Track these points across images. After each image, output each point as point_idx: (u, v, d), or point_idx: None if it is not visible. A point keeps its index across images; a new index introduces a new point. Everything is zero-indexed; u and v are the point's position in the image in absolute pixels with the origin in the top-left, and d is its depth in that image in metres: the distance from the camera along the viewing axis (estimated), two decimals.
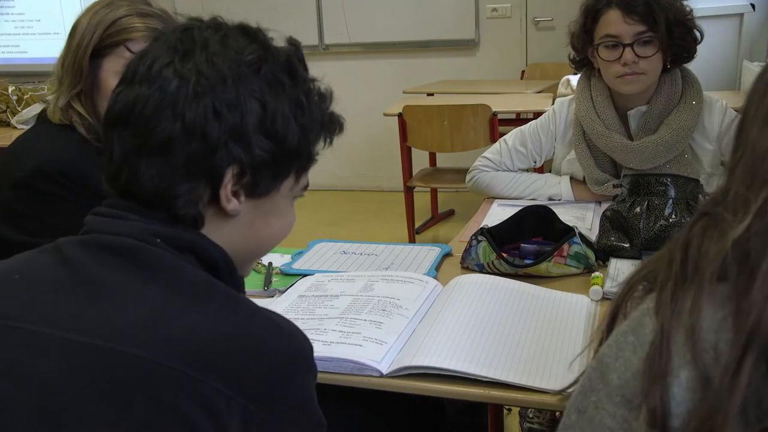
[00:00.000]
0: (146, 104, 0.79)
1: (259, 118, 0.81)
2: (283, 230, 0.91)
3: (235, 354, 0.74)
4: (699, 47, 1.83)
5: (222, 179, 0.81)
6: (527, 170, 2.11)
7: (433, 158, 4.49)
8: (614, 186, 1.79)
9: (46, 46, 5.56)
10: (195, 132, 0.78)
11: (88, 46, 1.44)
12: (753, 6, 3.70)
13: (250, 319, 0.78)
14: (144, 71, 0.81)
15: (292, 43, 0.90)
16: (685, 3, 1.76)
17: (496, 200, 2.03)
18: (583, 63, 1.93)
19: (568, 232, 1.49)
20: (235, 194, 0.83)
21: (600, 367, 0.66)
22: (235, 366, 0.73)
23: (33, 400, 0.71)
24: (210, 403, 0.71)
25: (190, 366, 0.72)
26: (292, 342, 0.80)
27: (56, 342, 0.73)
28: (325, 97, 0.89)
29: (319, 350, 1.15)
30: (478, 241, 1.51)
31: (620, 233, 1.53)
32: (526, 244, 1.54)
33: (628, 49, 1.74)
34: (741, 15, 3.75)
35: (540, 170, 2.26)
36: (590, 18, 1.81)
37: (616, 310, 0.71)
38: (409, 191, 3.98)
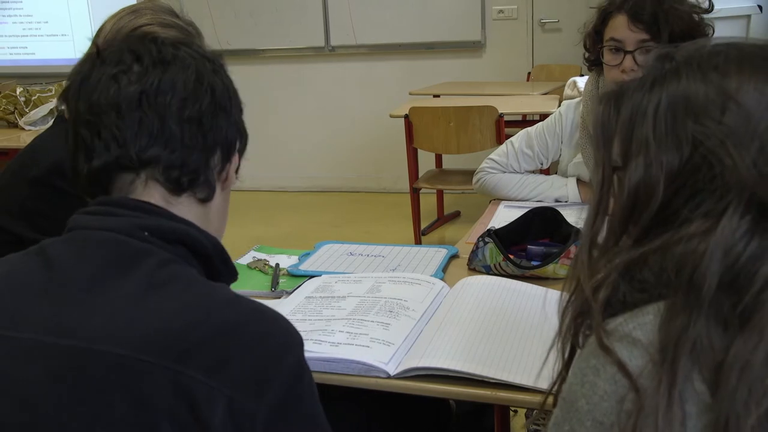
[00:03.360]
0: (176, 82, 0.85)
1: (239, 106, 0.95)
2: (226, 219, 1.01)
3: (213, 342, 0.73)
4: None
5: (234, 149, 0.92)
6: (534, 172, 2.11)
7: (439, 160, 4.49)
8: None
9: (54, 47, 5.58)
10: (221, 105, 0.88)
11: None
12: (760, 8, 3.69)
13: (227, 306, 0.78)
14: (153, 59, 0.85)
15: None
16: (696, 16, 1.73)
17: (503, 202, 2.03)
18: (595, 62, 1.93)
19: (575, 233, 1.50)
20: None
21: (568, 396, 0.66)
22: (214, 354, 0.73)
23: (17, 408, 0.72)
24: (188, 393, 0.70)
25: (165, 357, 0.71)
26: (273, 326, 0.79)
27: (37, 347, 0.74)
28: None
29: (327, 351, 1.15)
30: (485, 243, 1.51)
31: None
32: (533, 246, 1.54)
33: (628, 56, 1.72)
34: (748, 16, 3.74)
35: (546, 172, 2.26)
36: (600, 19, 1.81)
37: (572, 348, 0.72)
38: (415, 193, 3.98)
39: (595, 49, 1.86)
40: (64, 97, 0.89)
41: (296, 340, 0.79)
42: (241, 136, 0.93)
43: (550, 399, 0.73)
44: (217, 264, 0.87)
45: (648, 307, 0.65)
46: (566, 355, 0.73)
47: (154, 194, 0.85)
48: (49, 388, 0.72)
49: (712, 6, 1.73)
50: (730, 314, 0.60)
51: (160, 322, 0.74)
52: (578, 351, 0.70)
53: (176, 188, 0.86)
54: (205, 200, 0.89)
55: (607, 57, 1.79)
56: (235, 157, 0.92)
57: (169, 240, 0.82)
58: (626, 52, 1.73)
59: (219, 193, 0.92)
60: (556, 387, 0.73)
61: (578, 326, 0.71)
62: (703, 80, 0.67)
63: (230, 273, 0.91)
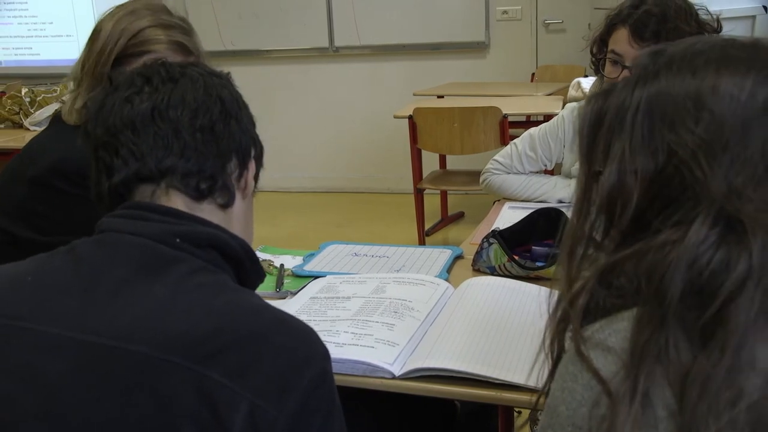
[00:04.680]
0: (185, 95, 0.88)
1: (250, 118, 0.97)
2: (253, 229, 1.02)
3: (237, 348, 0.74)
4: None
5: (249, 156, 0.94)
6: (538, 173, 2.11)
7: (443, 160, 4.49)
8: None
9: (59, 48, 5.60)
10: (231, 114, 0.91)
11: (111, 53, 1.45)
12: (765, 8, 3.69)
13: (253, 314, 0.79)
14: (161, 78, 0.89)
15: None
16: (706, 34, 1.70)
17: (507, 202, 2.04)
18: (600, 68, 1.93)
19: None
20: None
21: (551, 402, 0.67)
22: (238, 360, 0.73)
23: (41, 400, 0.73)
24: (210, 396, 0.71)
25: (190, 359, 0.72)
26: (297, 337, 0.79)
27: (64, 342, 0.75)
28: None
29: (331, 352, 1.14)
30: (490, 244, 1.51)
31: None
32: (538, 247, 1.54)
33: (626, 72, 1.71)
34: (753, 17, 3.73)
35: (551, 173, 2.27)
36: (606, 28, 1.80)
37: (558, 355, 0.72)
38: (419, 193, 3.98)
39: (599, 56, 1.86)
40: (84, 128, 0.91)
41: (319, 352, 0.80)
42: (256, 145, 0.96)
43: (543, 399, 0.74)
44: (246, 266, 0.89)
45: (623, 313, 0.65)
46: (554, 358, 0.73)
47: (177, 202, 0.87)
48: (73, 383, 0.73)
49: (721, 26, 1.70)
50: (694, 328, 0.60)
51: (186, 326, 0.75)
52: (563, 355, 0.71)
53: (197, 195, 0.88)
54: (226, 205, 0.91)
55: (607, 68, 1.78)
56: (252, 164, 0.94)
57: (200, 245, 0.84)
58: (624, 67, 1.72)
59: (240, 201, 0.93)
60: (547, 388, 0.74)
61: (561, 332, 0.71)
62: (682, 83, 0.67)
63: (258, 274, 0.93)
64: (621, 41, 1.73)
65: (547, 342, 0.73)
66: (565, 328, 0.70)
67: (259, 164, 0.98)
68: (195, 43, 1.52)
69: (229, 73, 0.99)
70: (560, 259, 0.74)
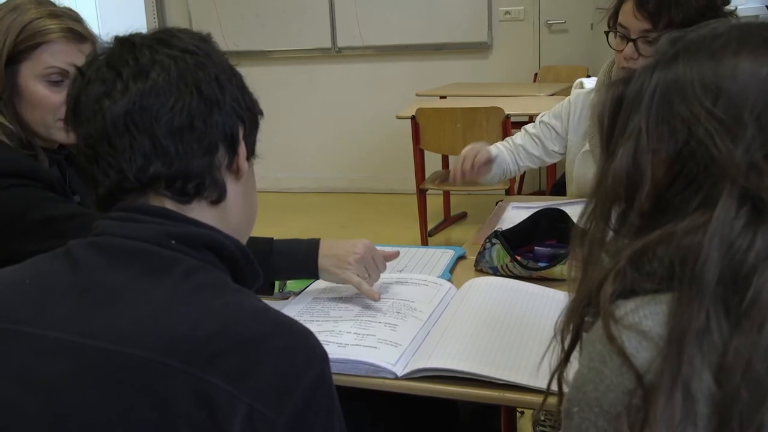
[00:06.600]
0: (159, 91, 0.82)
1: (237, 86, 0.89)
2: (256, 203, 0.98)
3: (237, 351, 0.73)
4: None
5: (238, 139, 0.88)
6: (539, 156, 2.15)
7: (445, 161, 4.49)
8: None
9: None
10: (211, 100, 0.84)
11: (1, 54, 1.38)
12: None
13: (253, 317, 0.78)
14: (132, 70, 0.83)
15: None
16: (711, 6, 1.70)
17: (511, 203, 2.04)
18: None
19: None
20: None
21: (578, 377, 0.66)
22: (237, 363, 0.73)
23: (41, 404, 0.73)
24: (209, 399, 0.71)
25: (189, 363, 0.72)
26: (297, 340, 0.79)
27: (64, 346, 0.75)
28: None
29: (334, 352, 1.16)
30: (492, 244, 1.51)
31: None
32: (540, 247, 1.54)
33: (630, 44, 1.71)
34: (756, 17, 3.73)
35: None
36: (617, 2, 1.80)
37: (575, 336, 0.71)
38: (421, 194, 3.98)
39: (609, 29, 1.86)
40: (65, 123, 0.88)
41: (319, 355, 0.79)
42: (243, 120, 0.89)
43: (550, 399, 0.73)
44: (242, 266, 0.88)
45: (661, 296, 0.63)
46: (567, 346, 0.72)
47: (166, 203, 0.85)
48: (73, 386, 0.73)
49: None
50: (733, 310, 0.59)
51: (186, 329, 0.74)
52: (583, 336, 0.69)
53: (184, 198, 0.85)
54: (217, 201, 0.88)
55: (615, 41, 1.78)
56: (242, 147, 0.89)
57: (196, 246, 0.82)
58: (629, 40, 1.72)
59: (234, 187, 0.90)
60: (556, 376, 0.73)
61: (580, 316, 0.70)
62: (699, 66, 0.67)
63: (255, 275, 0.91)
64: (626, 13, 1.73)
65: (561, 326, 0.71)
66: (587, 310, 0.68)
67: (252, 138, 0.92)
68: (87, 29, 1.45)
69: (208, 34, 0.91)
70: (575, 246, 0.72)
